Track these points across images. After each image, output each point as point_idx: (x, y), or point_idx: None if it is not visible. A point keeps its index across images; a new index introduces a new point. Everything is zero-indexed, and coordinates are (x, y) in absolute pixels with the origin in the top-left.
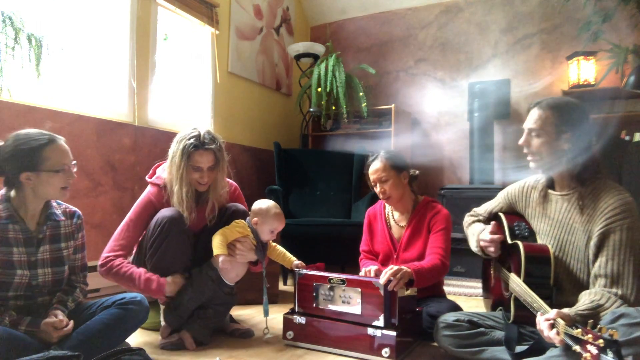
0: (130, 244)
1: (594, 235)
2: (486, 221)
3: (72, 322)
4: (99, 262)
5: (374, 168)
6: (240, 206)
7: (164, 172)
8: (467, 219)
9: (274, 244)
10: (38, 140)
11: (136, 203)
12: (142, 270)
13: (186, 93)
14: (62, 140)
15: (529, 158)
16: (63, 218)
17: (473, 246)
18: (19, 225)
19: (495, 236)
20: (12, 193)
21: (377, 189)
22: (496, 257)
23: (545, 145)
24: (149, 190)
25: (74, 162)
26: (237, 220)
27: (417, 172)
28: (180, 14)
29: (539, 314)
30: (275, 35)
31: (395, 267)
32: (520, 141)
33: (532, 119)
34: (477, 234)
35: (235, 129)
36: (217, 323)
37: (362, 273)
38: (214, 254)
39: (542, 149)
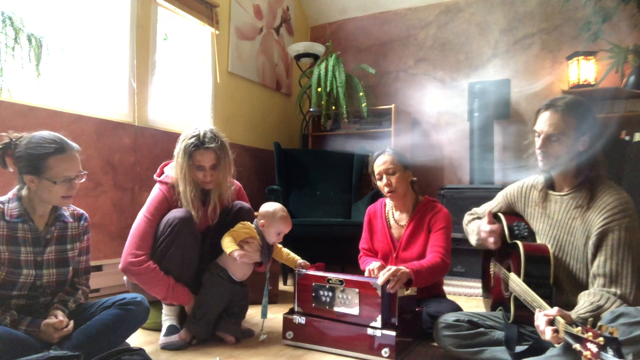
0: (152, 240)
1: (593, 234)
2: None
3: (72, 322)
4: (131, 260)
5: (382, 160)
6: (246, 204)
7: (172, 170)
8: (467, 217)
9: (279, 245)
10: (46, 147)
11: (150, 199)
12: (171, 277)
13: (186, 93)
14: (73, 150)
15: (541, 161)
16: (71, 220)
17: (473, 241)
18: (28, 224)
19: (495, 226)
20: (24, 192)
21: (383, 182)
22: (496, 252)
23: (565, 149)
24: (159, 187)
25: (82, 172)
26: (243, 222)
27: (415, 178)
28: (180, 14)
29: (537, 310)
30: (275, 35)
31: (394, 268)
32: (538, 146)
33: (550, 123)
34: (478, 227)
35: (235, 129)
36: (244, 316)
37: (367, 273)
38: (227, 252)
39: (562, 153)
